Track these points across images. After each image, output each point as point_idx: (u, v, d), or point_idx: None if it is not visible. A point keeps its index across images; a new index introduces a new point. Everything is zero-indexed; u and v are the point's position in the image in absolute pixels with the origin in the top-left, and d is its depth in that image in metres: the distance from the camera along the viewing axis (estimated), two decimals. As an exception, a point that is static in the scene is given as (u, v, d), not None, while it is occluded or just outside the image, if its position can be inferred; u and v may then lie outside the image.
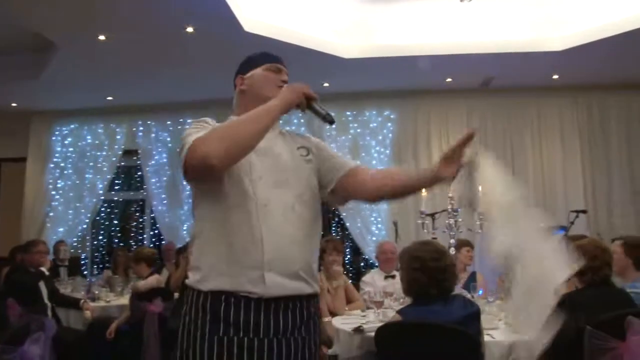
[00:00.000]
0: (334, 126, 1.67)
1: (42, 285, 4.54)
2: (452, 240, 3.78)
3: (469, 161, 1.70)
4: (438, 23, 5.97)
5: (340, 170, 1.81)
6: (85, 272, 7.19)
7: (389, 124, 7.32)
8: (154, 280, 4.77)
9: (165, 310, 4.78)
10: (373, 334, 3.12)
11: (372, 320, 3.47)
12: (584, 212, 5.87)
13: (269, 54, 1.89)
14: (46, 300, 4.59)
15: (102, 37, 5.34)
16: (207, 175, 1.59)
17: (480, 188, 1.68)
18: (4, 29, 5.47)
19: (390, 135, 7.29)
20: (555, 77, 6.73)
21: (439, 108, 7.28)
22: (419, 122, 7.30)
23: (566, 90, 7.00)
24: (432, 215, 5.84)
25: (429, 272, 2.34)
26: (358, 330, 3.12)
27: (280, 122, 1.80)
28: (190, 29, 5.23)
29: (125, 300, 5.24)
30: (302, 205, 1.69)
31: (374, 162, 7.03)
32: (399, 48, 6.11)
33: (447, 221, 3.84)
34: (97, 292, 5.25)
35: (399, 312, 2.43)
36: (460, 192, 1.68)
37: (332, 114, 1.72)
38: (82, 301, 4.84)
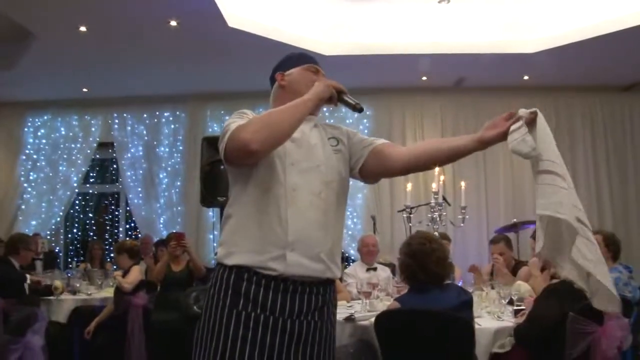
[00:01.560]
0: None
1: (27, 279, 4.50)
2: (435, 233, 3.94)
3: (529, 116, 1.75)
4: (415, 23, 6.13)
5: (370, 145, 1.93)
6: (59, 266, 7.09)
7: (365, 120, 7.47)
8: (137, 272, 4.78)
9: (148, 302, 4.81)
10: (364, 322, 3.28)
11: (359, 311, 3.60)
12: (552, 208, 6.11)
13: (308, 56, 2.04)
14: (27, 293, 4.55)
15: (82, 29, 5.30)
16: (247, 159, 1.72)
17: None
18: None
19: (366, 131, 7.42)
20: (526, 77, 6.99)
21: (414, 106, 7.46)
22: (394, 119, 7.47)
23: (536, 90, 7.26)
24: (410, 209, 6.04)
25: (415, 256, 2.49)
26: (349, 319, 3.24)
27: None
28: (174, 23, 5.24)
29: (106, 293, 5.24)
30: (329, 192, 1.80)
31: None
32: (377, 46, 6.25)
33: (429, 215, 3.99)
34: (77, 284, 5.22)
35: (397, 299, 2.56)
36: (525, 143, 1.69)
37: (361, 104, 1.85)
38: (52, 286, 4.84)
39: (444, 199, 5.07)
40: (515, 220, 5.94)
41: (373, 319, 3.24)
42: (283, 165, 1.77)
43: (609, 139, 7.36)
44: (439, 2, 5.76)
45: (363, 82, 7.13)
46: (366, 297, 3.59)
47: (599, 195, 7.26)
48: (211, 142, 5.51)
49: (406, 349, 2.39)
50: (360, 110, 1.85)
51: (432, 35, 6.19)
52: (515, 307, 3.35)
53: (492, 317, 3.34)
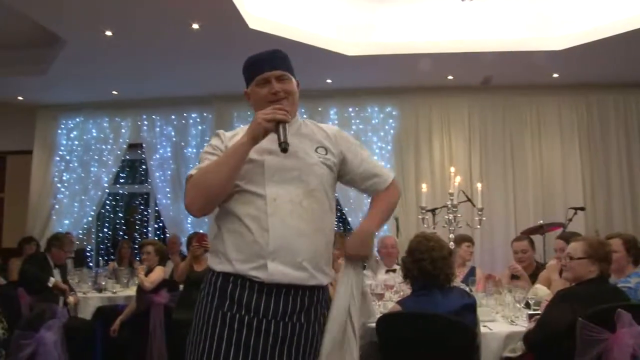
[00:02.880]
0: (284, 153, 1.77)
1: (57, 276, 4.65)
2: (451, 235, 3.88)
3: None
4: (440, 21, 6.05)
5: (372, 187, 2.01)
6: (90, 264, 7.30)
7: (391, 121, 7.41)
8: (160, 272, 4.87)
9: (170, 301, 4.89)
10: (374, 325, 3.26)
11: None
12: (582, 209, 5.97)
13: (253, 65, 1.93)
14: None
15: (108, 33, 5.43)
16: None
17: None
18: (13, 23, 5.56)
19: (392, 131, 7.38)
20: (555, 75, 6.81)
21: (440, 105, 7.36)
22: (420, 118, 7.38)
23: (566, 88, 7.08)
24: (433, 210, 5.96)
25: (412, 254, 2.48)
26: (359, 321, 3.22)
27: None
28: (195, 26, 5.31)
29: (131, 291, 5.35)
30: (311, 201, 1.81)
31: (375, 157, 7.08)
32: (401, 46, 6.19)
33: (446, 216, 3.94)
34: (103, 283, 5.36)
35: (398, 302, 2.54)
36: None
37: (288, 144, 1.77)
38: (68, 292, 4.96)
39: (468, 199, 4.99)
40: (541, 222, 5.79)
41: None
42: (262, 178, 1.80)
43: (645, 137, 7.10)
44: (462, 0, 5.67)
45: (387, 82, 7.10)
46: (379, 299, 3.56)
47: (634, 196, 7.01)
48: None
49: (406, 352, 2.36)
50: (283, 150, 1.76)
51: (457, 33, 6.10)
52: (531, 312, 3.27)
53: (506, 321, 3.27)
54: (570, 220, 5.67)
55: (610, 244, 2.91)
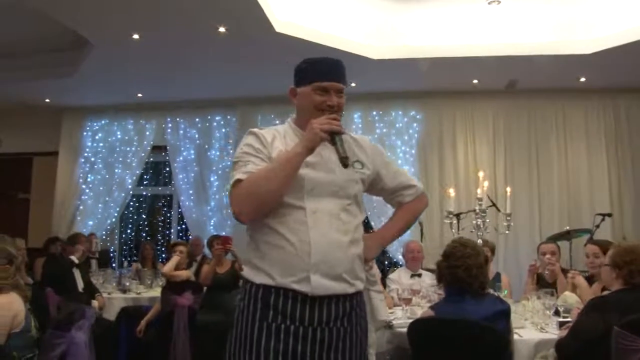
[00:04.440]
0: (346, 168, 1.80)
1: (77, 275, 4.69)
2: (479, 241, 3.83)
3: None
4: (465, 25, 6.00)
5: (400, 197, 2.07)
6: (114, 265, 7.37)
7: (415, 125, 7.37)
8: (186, 273, 4.90)
9: (194, 303, 4.92)
10: (402, 329, 3.22)
11: (400, 317, 3.56)
12: (609, 215, 5.86)
13: (315, 69, 1.88)
14: (81, 290, 4.74)
15: (135, 36, 5.49)
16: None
17: None
18: (42, 28, 5.65)
19: (415, 135, 7.34)
20: (582, 79, 6.71)
21: (465, 109, 7.30)
22: (444, 123, 7.33)
23: (593, 92, 6.98)
24: (458, 215, 5.91)
25: (447, 259, 2.45)
26: (388, 326, 3.20)
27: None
28: (222, 29, 5.35)
29: (154, 292, 5.39)
30: (347, 214, 1.84)
31: (399, 161, 7.07)
32: (426, 49, 6.16)
33: (474, 221, 3.89)
34: (127, 284, 5.40)
35: (431, 307, 2.51)
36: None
37: (348, 159, 1.78)
38: (97, 294, 5.00)
39: (493, 203, 4.93)
40: (568, 227, 5.71)
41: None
42: (302, 191, 1.79)
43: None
44: (489, 3, 5.63)
45: (412, 86, 7.07)
46: (406, 304, 3.54)
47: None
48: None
49: (438, 358, 2.33)
50: (344, 165, 1.77)
51: (482, 37, 6.05)
52: (561, 319, 3.22)
53: (535, 328, 3.22)
54: (598, 226, 5.58)
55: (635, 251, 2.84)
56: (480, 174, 3.97)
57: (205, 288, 5.09)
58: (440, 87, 7.11)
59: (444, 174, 7.21)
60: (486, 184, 3.89)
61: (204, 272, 5.31)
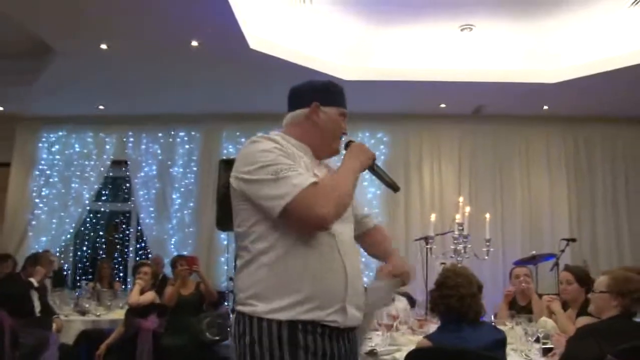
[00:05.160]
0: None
1: (34, 297, 4.40)
2: (460, 265, 3.81)
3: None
4: (437, 49, 6.09)
5: (366, 223, 2.04)
6: (68, 284, 7.00)
7: (382, 147, 7.39)
8: (151, 296, 4.69)
9: (159, 327, 4.70)
10: (386, 357, 3.15)
11: (379, 344, 3.47)
12: (573, 240, 6.00)
13: (339, 94, 1.90)
14: (38, 313, 4.45)
15: (104, 46, 5.29)
16: (313, 231, 1.66)
17: None
18: (4, 33, 5.37)
19: (382, 157, 7.35)
20: (545, 107, 6.91)
21: (431, 133, 7.39)
22: (411, 145, 7.38)
23: (555, 121, 7.20)
24: (426, 239, 5.91)
25: (439, 288, 2.40)
26: (372, 353, 3.12)
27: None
28: (195, 43, 5.22)
29: (116, 315, 5.14)
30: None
31: (365, 183, 7.06)
32: (397, 72, 6.21)
33: (453, 247, 3.88)
34: (87, 305, 5.12)
35: (427, 337, 2.44)
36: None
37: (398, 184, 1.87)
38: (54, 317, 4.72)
39: (460, 230, 4.96)
40: (534, 252, 5.80)
41: (397, 354, 3.14)
42: None
43: (630, 172, 7.23)
44: (462, 29, 5.73)
45: (380, 108, 7.09)
46: (388, 330, 3.46)
47: (618, 230, 7.11)
48: (229, 164, 5.44)
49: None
50: (397, 189, 1.84)
51: (452, 62, 6.15)
52: (543, 346, 3.22)
53: (520, 356, 3.20)
54: (563, 251, 5.70)
55: (635, 280, 2.87)
56: (461, 199, 3.97)
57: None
58: (407, 110, 7.17)
59: (410, 197, 7.25)
60: (468, 209, 3.88)
61: (168, 294, 5.11)
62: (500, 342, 2.37)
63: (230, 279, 6.92)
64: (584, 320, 3.57)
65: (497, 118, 7.22)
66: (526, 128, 7.29)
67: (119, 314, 5.09)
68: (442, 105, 7.03)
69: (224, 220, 5.17)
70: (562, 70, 6.01)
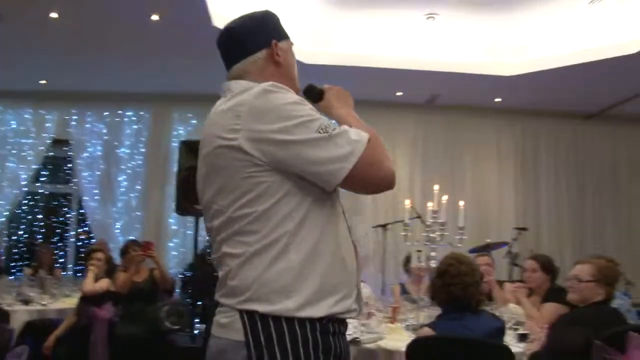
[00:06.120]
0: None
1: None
2: (432, 253, 3.82)
3: None
4: (400, 37, 6.08)
5: None
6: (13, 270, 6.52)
7: (337, 133, 7.33)
8: (106, 283, 4.43)
9: (114, 315, 4.47)
10: (369, 345, 3.11)
11: (357, 332, 3.42)
12: (524, 229, 6.20)
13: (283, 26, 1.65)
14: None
15: (54, 15, 4.89)
16: (378, 192, 1.48)
17: None
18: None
19: (337, 143, 7.29)
20: (497, 100, 7.09)
21: (387, 120, 7.36)
22: (366, 133, 7.36)
23: (505, 113, 7.38)
24: (384, 226, 5.94)
25: (442, 276, 2.38)
26: (354, 342, 3.06)
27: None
28: (155, 17, 4.93)
29: (63, 303, 4.84)
30: None
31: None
32: (357, 58, 6.16)
33: (425, 234, 3.87)
34: (31, 294, 4.77)
35: (429, 325, 2.41)
36: None
37: None
38: None
39: (418, 216, 5.00)
40: (488, 240, 5.95)
41: (381, 342, 3.10)
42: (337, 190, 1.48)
43: (570, 165, 7.55)
44: (427, 18, 5.74)
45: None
46: (369, 318, 3.42)
47: (559, 219, 7.42)
48: (191, 147, 5.24)
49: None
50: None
51: (414, 50, 6.16)
52: (520, 332, 3.28)
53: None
54: (515, 239, 5.88)
55: (617, 267, 2.97)
56: (436, 187, 3.97)
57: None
58: (365, 96, 7.10)
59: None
60: (445, 198, 3.90)
61: (121, 281, 4.85)
62: (500, 330, 2.39)
63: (212, 268, 6.41)
64: (550, 307, 3.71)
65: (451, 108, 7.33)
66: (477, 119, 7.45)
67: (67, 303, 4.80)
68: (399, 93, 7.05)
69: (185, 204, 4.98)
70: (518, 64, 6.15)
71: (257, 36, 1.56)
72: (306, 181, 1.37)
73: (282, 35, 1.60)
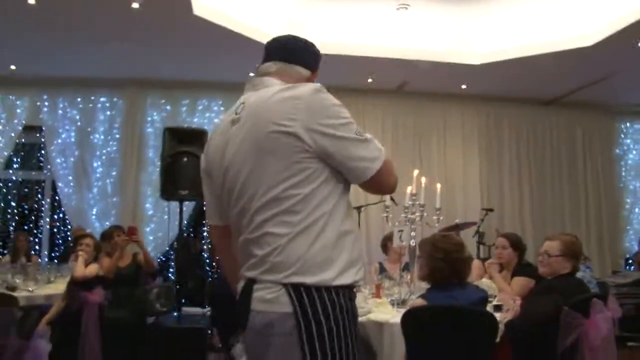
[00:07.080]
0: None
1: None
2: (413, 233, 4.07)
3: None
4: (373, 26, 6.29)
5: None
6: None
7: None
8: (95, 269, 4.52)
9: (105, 299, 4.56)
10: (360, 319, 3.34)
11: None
12: (491, 210, 6.56)
13: None
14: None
15: (31, 1, 4.88)
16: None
17: None
18: None
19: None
20: (464, 86, 7.40)
21: (359, 106, 7.61)
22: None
23: (470, 99, 7.72)
24: (359, 208, 6.17)
25: (451, 262, 2.61)
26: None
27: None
28: (136, 5, 4.97)
29: (50, 289, 4.89)
30: None
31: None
32: (330, 46, 6.30)
33: (404, 215, 4.12)
34: (18, 280, 4.81)
35: (421, 296, 2.66)
36: None
37: None
38: None
39: (392, 199, 5.26)
40: (457, 221, 6.27)
41: (371, 315, 3.34)
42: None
43: (531, 149, 7.97)
44: (398, 8, 5.96)
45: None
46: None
47: (521, 200, 7.84)
48: (175, 133, 5.33)
49: (434, 344, 2.49)
50: None
51: (385, 39, 6.38)
52: (495, 304, 3.57)
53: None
54: (482, 220, 6.22)
55: (580, 242, 3.28)
56: (416, 172, 4.22)
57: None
58: (337, 82, 7.30)
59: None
60: (423, 180, 4.16)
61: (107, 266, 4.94)
62: (484, 299, 2.65)
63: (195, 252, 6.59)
64: (519, 281, 4.05)
65: (419, 94, 7.61)
66: (443, 105, 7.76)
67: (53, 289, 4.85)
68: (370, 80, 7.27)
69: (169, 189, 5.09)
70: (483, 53, 6.46)
71: (312, 58, 1.85)
72: (338, 172, 1.60)
73: (317, 66, 1.89)
